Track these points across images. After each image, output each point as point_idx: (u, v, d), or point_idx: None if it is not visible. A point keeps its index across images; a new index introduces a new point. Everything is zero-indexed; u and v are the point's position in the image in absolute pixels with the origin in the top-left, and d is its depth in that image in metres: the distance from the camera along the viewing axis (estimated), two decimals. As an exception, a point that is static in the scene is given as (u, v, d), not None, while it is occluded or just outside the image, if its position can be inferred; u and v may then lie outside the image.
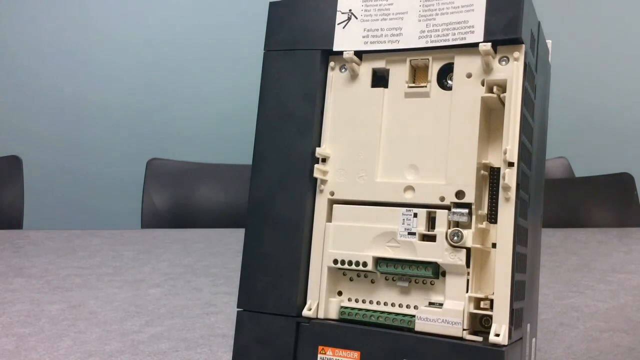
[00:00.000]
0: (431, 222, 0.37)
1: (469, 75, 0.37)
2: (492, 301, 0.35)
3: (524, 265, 0.37)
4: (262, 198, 0.40)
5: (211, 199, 1.65)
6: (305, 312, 0.38)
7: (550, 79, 0.47)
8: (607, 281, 0.89)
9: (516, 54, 0.36)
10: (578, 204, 1.64)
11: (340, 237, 0.39)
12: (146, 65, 2.44)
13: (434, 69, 0.38)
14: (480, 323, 0.36)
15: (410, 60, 0.39)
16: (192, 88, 2.49)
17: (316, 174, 0.39)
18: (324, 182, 0.40)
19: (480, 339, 0.34)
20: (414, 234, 0.37)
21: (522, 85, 0.36)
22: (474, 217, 0.36)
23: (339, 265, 0.38)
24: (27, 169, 1.63)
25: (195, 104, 2.49)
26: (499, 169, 0.36)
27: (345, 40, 0.39)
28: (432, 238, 0.36)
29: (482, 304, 0.35)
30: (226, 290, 0.86)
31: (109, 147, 2.40)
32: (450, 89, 0.38)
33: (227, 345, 0.61)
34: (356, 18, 0.40)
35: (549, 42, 0.44)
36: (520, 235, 0.36)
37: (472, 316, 0.35)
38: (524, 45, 0.36)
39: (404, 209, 0.37)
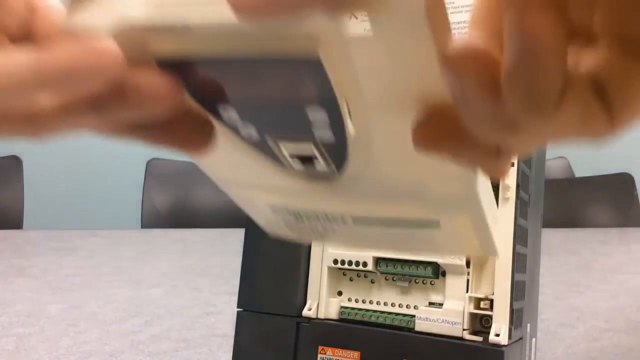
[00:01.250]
0: (431, 222, 0.37)
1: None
2: (492, 301, 0.35)
3: (524, 265, 0.37)
4: (262, 198, 0.40)
5: (211, 199, 1.65)
6: (306, 312, 0.38)
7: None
8: (607, 281, 0.89)
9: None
10: (578, 204, 1.64)
11: (340, 237, 0.39)
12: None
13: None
14: (480, 323, 0.36)
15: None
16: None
17: (316, 174, 0.39)
18: (324, 182, 0.40)
19: (480, 339, 0.34)
20: (414, 234, 0.37)
21: (522, 85, 0.36)
22: (474, 217, 0.36)
23: (339, 265, 0.38)
24: (27, 169, 1.63)
25: (195, 104, 2.48)
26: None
27: None
28: (432, 238, 0.36)
29: (482, 304, 0.35)
30: (226, 290, 0.86)
31: (109, 147, 2.40)
32: (450, 89, 0.38)
33: (227, 345, 0.61)
34: (356, 18, 0.40)
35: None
36: (520, 235, 0.36)
37: (472, 316, 0.35)
38: (524, 45, 0.36)
39: (404, 209, 0.37)
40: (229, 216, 1.58)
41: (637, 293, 0.83)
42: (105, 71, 0.17)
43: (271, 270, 0.39)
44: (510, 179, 0.35)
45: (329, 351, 0.37)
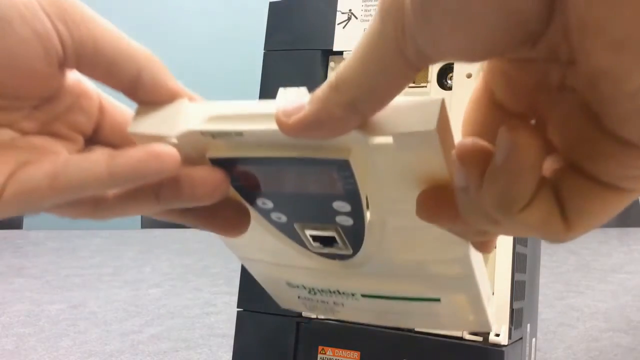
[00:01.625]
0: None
1: (468, 76, 0.37)
2: (492, 301, 0.35)
3: (524, 265, 0.37)
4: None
5: (211, 199, 1.65)
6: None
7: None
8: (607, 281, 0.89)
9: (516, 54, 0.36)
10: (578, 204, 1.64)
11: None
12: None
13: (434, 69, 0.38)
14: (480, 323, 0.36)
15: (410, 60, 0.39)
16: (192, 88, 2.49)
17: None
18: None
19: (480, 339, 0.34)
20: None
21: (522, 85, 0.36)
22: (474, 217, 0.36)
23: (339, 265, 0.38)
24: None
25: (195, 104, 2.48)
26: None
27: (346, 40, 0.39)
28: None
29: (482, 304, 0.35)
30: (226, 290, 0.86)
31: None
32: (450, 89, 0.38)
33: (227, 345, 0.61)
34: (356, 18, 0.40)
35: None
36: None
37: (472, 316, 0.35)
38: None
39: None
40: (229, 216, 1.58)
41: (637, 293, 0.83)
42: (166, 172, 0.20)
43: (271, 270, 0.39)
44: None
45: (329, 351, 0.37)
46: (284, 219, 0.24)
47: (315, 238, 0.25)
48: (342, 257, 0.26)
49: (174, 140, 0.21)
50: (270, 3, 0.42)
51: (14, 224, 1.51)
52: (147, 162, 0.20)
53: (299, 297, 0.33)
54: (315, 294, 0.31)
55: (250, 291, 0.40)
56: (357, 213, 0.23)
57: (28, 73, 0.21)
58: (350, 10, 0.40)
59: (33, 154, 0.22)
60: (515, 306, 0.34)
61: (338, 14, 0.40)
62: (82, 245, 1.21)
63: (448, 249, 0.24)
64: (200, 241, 1.27)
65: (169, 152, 0.20)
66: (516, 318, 0.35)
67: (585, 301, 0.78)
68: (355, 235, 0.24)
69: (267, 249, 0.28)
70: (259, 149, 0.21)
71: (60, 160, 0.21)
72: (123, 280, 0.92)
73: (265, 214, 0.24)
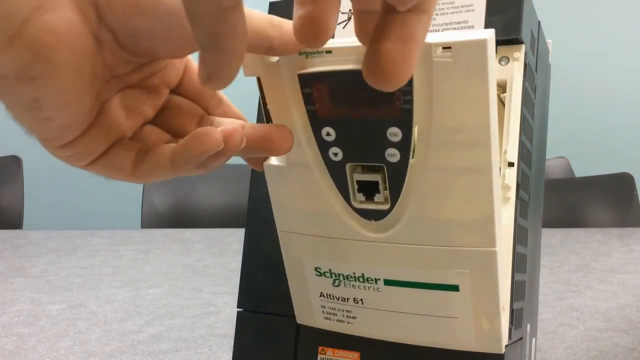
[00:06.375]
0: (431, 222, 0.37)
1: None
2: (492, 301, 0.35)
3: (524, 265, 0.37)
4: (262, 198, 0.40)
5: (211, 199, 1.65)
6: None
7: (550, 79, 0.47)
8: (607, 281, 0.89)
9: (516, 54, 0.36)
10: (578, 204, 1.63)
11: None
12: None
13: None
14: (480, 323, 0.36)
15: (411, 60, 0.39)
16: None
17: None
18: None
19: (480, 339, 0.34)
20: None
21: (522, 85, 0.36)
22: (474, 217, 0.36)
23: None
24: (27, 169, 1.62)
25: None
26: (499, 169, 0.36)
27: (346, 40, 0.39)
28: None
29: (482, 304, 0.35)
30: (226, 290, 0.86)
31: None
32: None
33: (227, 345, 0.61)
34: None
35: (549, 42, 0.44)
36: (520, 235, 0.36)
37: (472, 316, 0.35)
38: (524, 45, 0.36)
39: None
40: (229, 216, 1.58)
41: (637, 293, 0.83)
42: (209, 152, 0.25)
43: (271, 270, 0.39)
44: (510, 179, 0.35)
45: (329, 351, 0.37)
46: (340, 156, 0.28)
47: (360, 186, 0.28)
48: (378, 216, 0.29)
49: (275, 59, 0.26)
50: (270, 3, 0.42)
51: (14, 224, 1.51)
52: (205, 144, 0.24)
53: (320, 294, 0.34)
54: (338, 284, 0.33)
55: (250, 291, 0.40)
56: (405, 144, 0.26)
57: (167, 53, 0.25)
58: (350, 10, 0.40)
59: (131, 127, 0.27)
60: (515, 306, 0.34)
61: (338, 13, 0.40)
62: (82, 245, 1.21)
63: (476, 204, 0.27)
64: (200, 241, 1.27)
65: (210, 133, 0.24)
66: (516, 318, 0.35)
67: (585, 301, 0.78)
68: (398, 179, 0.27)
69: (307, 215, 0.31)
70: (340, 65, 0.25)
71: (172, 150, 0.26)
72: (123, 280, 0.92)
73: (325, 148, 0.28)
